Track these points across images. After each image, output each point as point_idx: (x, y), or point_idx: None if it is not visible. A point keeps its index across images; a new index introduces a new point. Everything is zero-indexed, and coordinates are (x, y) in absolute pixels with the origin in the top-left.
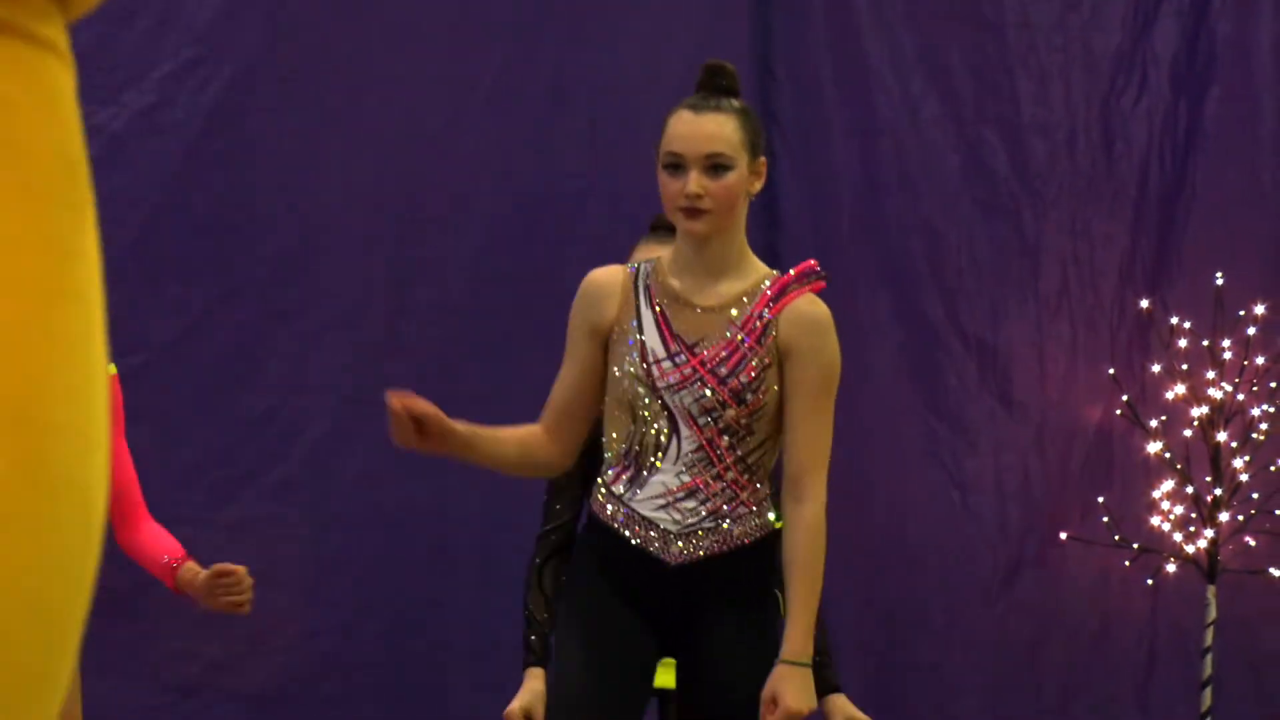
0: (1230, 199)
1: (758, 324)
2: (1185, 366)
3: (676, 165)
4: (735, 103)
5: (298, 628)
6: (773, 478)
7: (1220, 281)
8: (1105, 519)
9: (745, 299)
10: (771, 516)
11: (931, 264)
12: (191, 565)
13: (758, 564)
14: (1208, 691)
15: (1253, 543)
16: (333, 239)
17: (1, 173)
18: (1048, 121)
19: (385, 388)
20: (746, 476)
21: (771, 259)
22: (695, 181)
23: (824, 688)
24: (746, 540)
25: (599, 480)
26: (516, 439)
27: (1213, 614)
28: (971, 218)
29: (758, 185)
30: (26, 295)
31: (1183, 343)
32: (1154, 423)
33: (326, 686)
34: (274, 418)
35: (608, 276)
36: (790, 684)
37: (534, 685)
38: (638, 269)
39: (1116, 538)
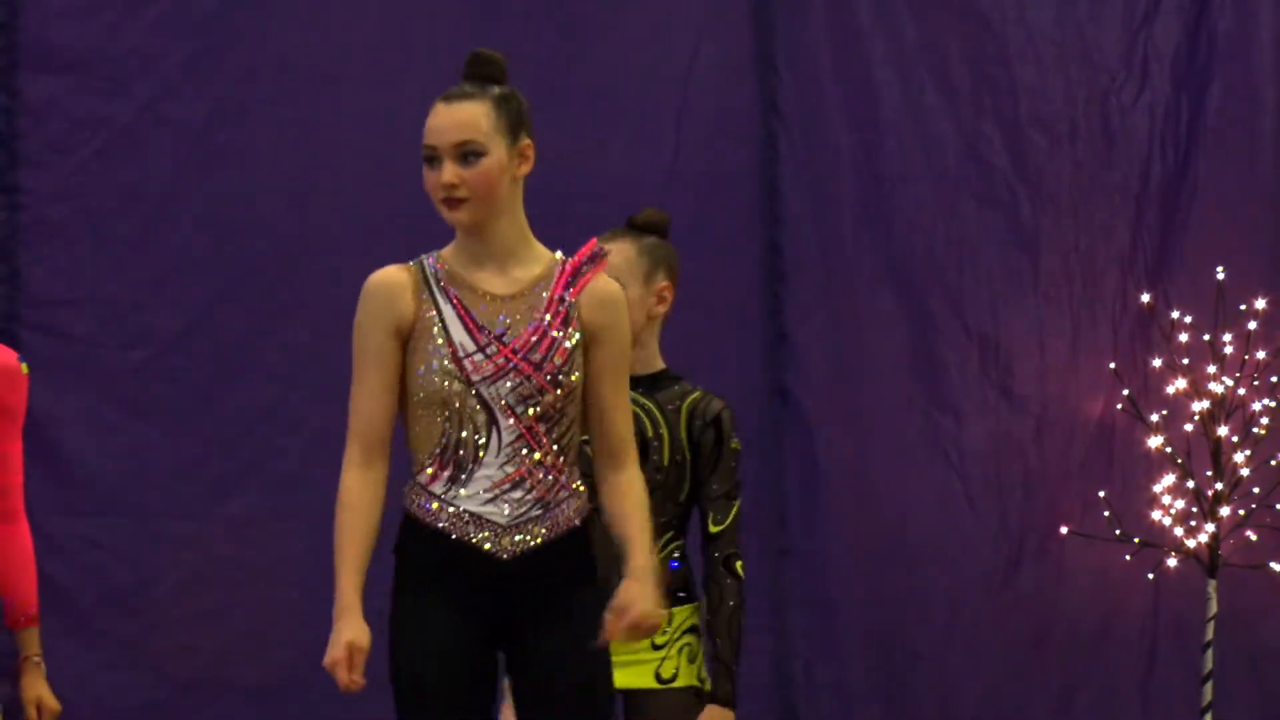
0: (1231, 193)
1: (560, 307)
2: (1186, 361)
3: (432, 157)
4: (494, 89)
5: (299, 622)
6: (582, 459)
7: (1221, 276)
8: (1106, 513)
9: (540, 283)
10: (585, 499)
11: (933, 258)
12: (35, 634)
13: (583, 551)
14: (1208, 686)
15: (1254, 537)
16: (335, 234)
17: None
18: (1048, 116)
19: None
20: (563, 459)
21: (774, 255)
22: (449, 171)
23: (712, 696)
24: (577, 521)
25: (413, 481)
26: (370, 524)
27: (1213, 608)
28: (973, 212)
29: (525, 168)
30: None
31: (1184, 337)
32: (1155, 417)
33: (327, 681)
34: (275, 413)
35: (393, 275)
36: (642, 594)
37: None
38: (420, 265)
39: (1118, 532)
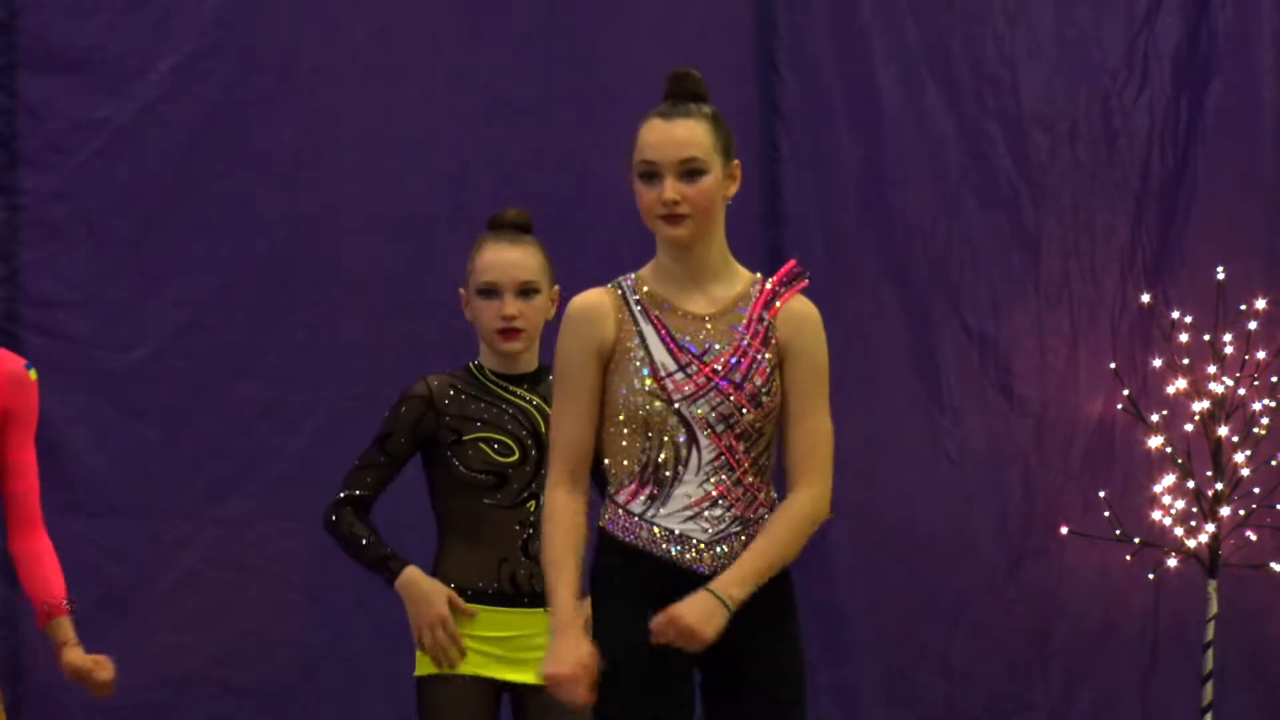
0: (1231, 192)
1: (759, 327)
2: (1187, 361)
3: (652, 174)
4: (705, 108)
5: (296, 622)
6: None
7: (1222, 276)
8: (1106, 513)
9: (740, 302)
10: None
11: (934, 257)
12: (65, 623)
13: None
14: (1209, 686)
15: (1254, 537)
16: (331, 235)
17: None
18: (1049, 114)
19: (381, 383)
20: (760, 478)
21: (775, 253)
22: (671, 188)
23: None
24: None
25: (609, 500)
26: (581, 541)
27: (1214, 608)
28: (973, 211)
29: (733, 189)
30: None
31: (1184, 337)
32: (1155, 417)
33: (325, 680)
34: (271, 413)
35: (596, 299)
36: (696, 607)
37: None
38: (620, 287)
39: (1118, 532)
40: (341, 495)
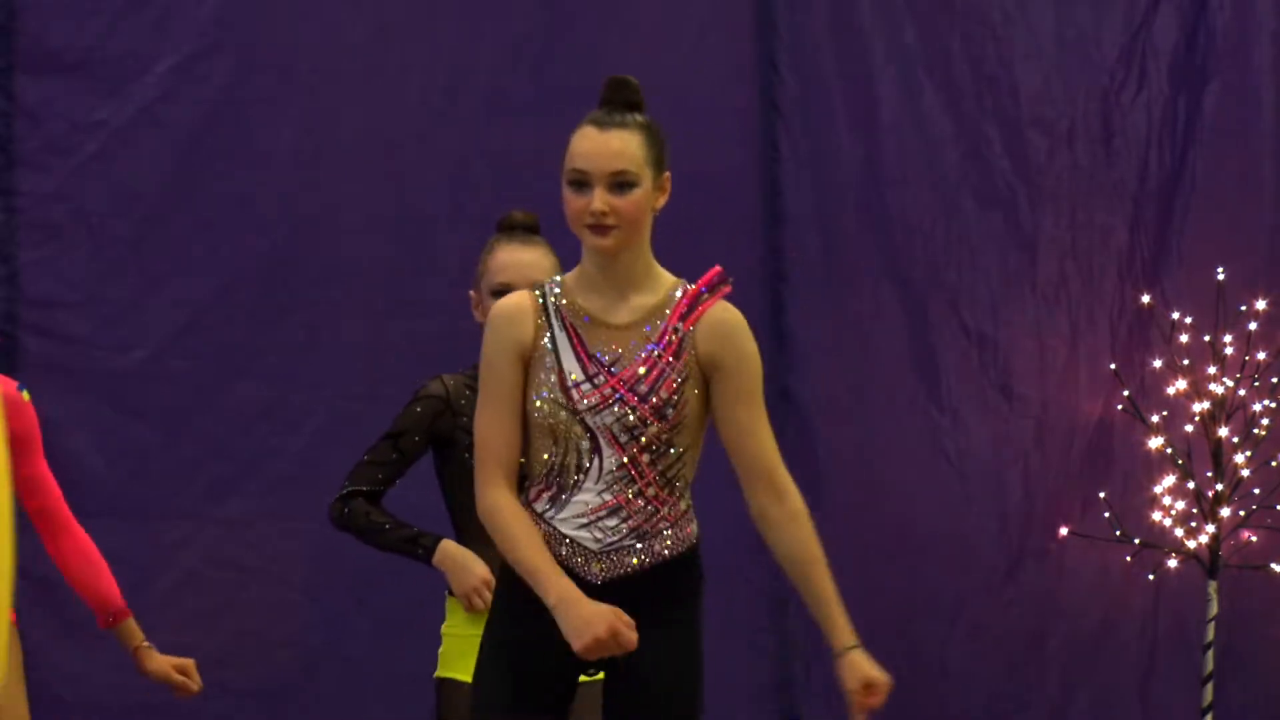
0: (1230, 192)
1: (673, 338)
2: (1186, 361)
3: (582, 182)
4: (640, 118)
5: (295, 622)
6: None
7: (1221, 276)
8: (1106, 514)
9: (657, 312)
10: (694, 529)
11: (933, 257)
12: (132, 624)
13: (683, 577)
14: (1209, 687)
15: (1254, 538)
16: (331, 235)
17: None
18: (1047, 115)
19: (381, 383)
20: (666, 491)
21: (775, 253)
22: (600, 199)
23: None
24: (669, 555)
25: (523, 495)
26: (534, 530)
27: (1214, 609)
28: (972, 212)
29: (662, 200)
30: None
31: (1184, 337)
32: (1155, 418)
33: (325, 680)
34: (271, 413)
35: (518, 301)
36: (870, 664)
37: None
38: (543, 291)
39: (1118, 533)
40: (348, 489)
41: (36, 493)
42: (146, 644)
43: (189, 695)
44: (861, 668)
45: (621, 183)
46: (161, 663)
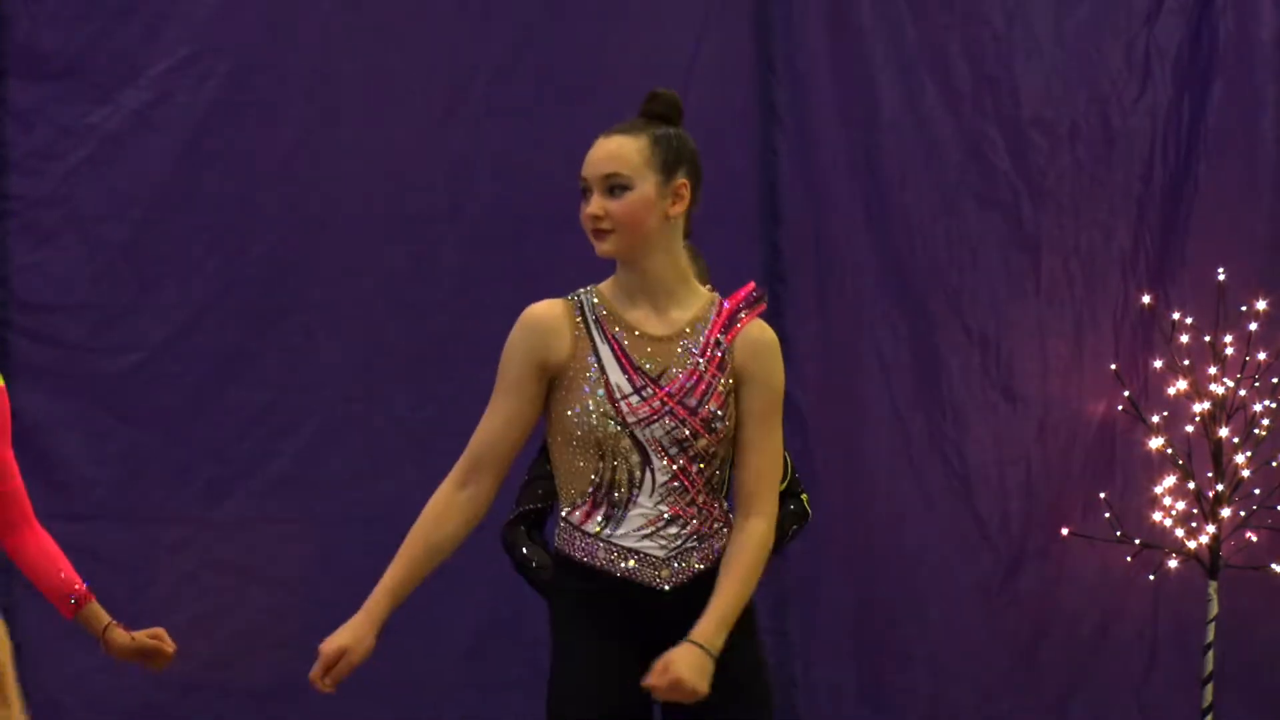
0: (1232, 194)
1: (716, 351)
2: (1187, 362)
3: (584, 189)
4: (656, 126)
5: (294, 624)
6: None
7: (1222, 277)
8: (1107, 515)
9: (697, 325)
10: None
11: (934, 259)
12: (96, 608)
13: None
14: (1209, 687)
15: (1254, 538)
16: (327, 237)
17: None
18: (1050, 117)
19: (378, 385)
20: (713, 497)
21: (773, 255)
22: (595, 203)
23: None
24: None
25: (563, 521)
26: (438, 540)
27: (1214, 610)
28: (973, 213)
29: (678, 207)
30: None
31: (1185, 338)
32: (1156, 418)
33: None
34: (268, 416)
35: (552, 311)
36: (688, 661)
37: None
38: (579, 301)
39: (1118, 534)
40: (514, 513)
41: (5, 477)
42: (114, 623)
43: (165, 662)
44: (675, 654)
45: (614, 185)
46: (131, 638)
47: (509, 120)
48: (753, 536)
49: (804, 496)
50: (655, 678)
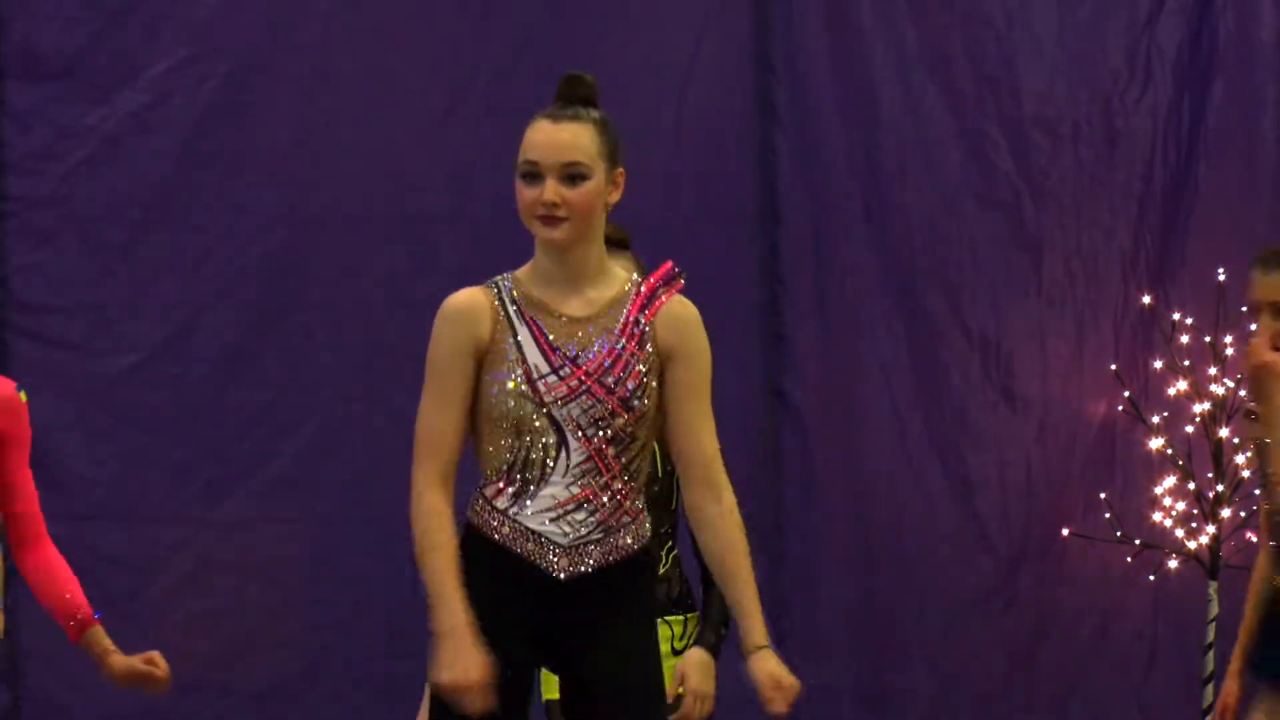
0: (1233, 194)
1: (635, 330)
2: (1187, 362)
3: (533, 174)
4: (594, 113)
5: (294, 624)
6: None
7: (1222, 277)
8: (1107, 515)
9: (616, 305)
10: (649, 527)
11: (934, 259)
12: (100, 632)
13: (643, 571)
14: (1209, 688)
15: (1254, 539)
16: (327, 237)
17: None
18: (1051, 117)
19: (378, 385)
20: (630, 484)
21: (772, 255)
22: (552, 190)
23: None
24: (634, 549)
25: (477, 493)
26: (454, 556)
27: (1214, 610)
28: (974, 212)
29: (616, 195)
30: None
31: (1185, 339)
32: (1156, 419)
33: (323, 683)
34: (268, 416)
35: (472, 298)
36: (779, 665)
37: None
38: (497, 286)
39: (1119, 534)
40: None
41: (18, 498)
42: (115, 650)
43: (162, 686)
44: (770, 666)
45: (573, 174)
46: (128, 661)
47: (509, 120)
48: (732, 518)
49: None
50: (772, 691)
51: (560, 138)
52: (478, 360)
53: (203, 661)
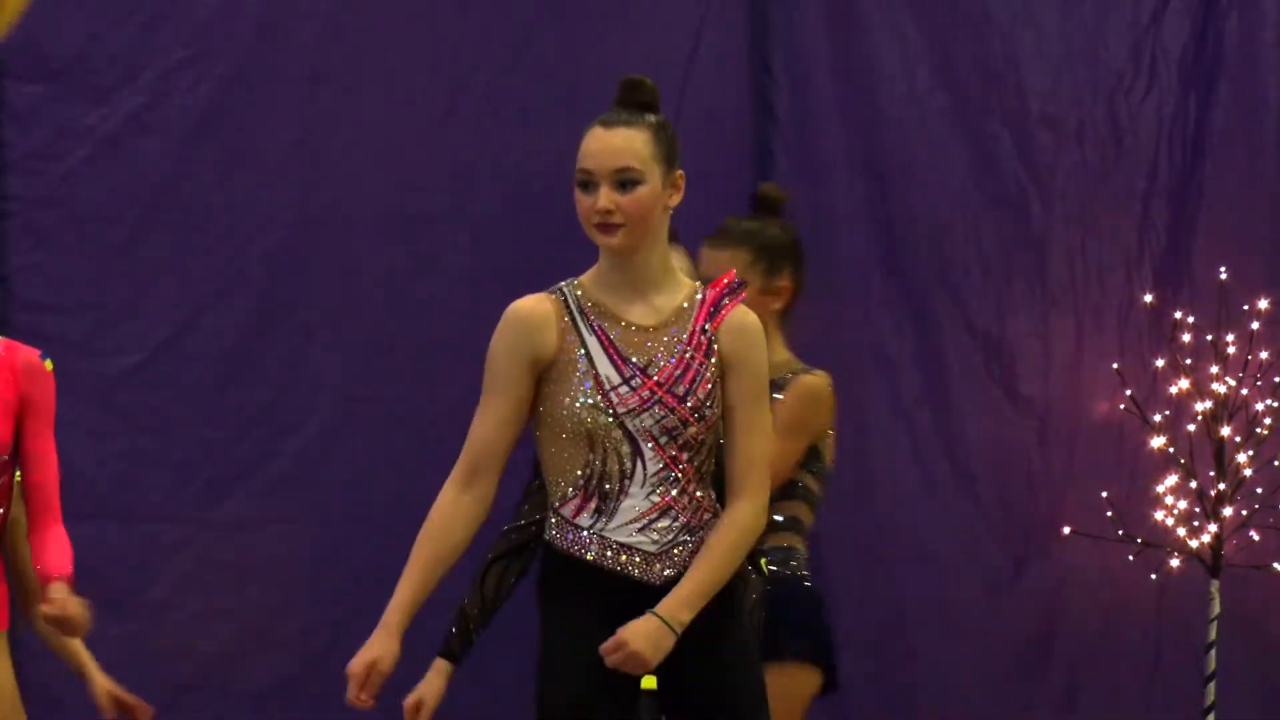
0: (1237, 194)
1: (702, 338)
2: (1190, 361)
3: (588, 182)
4: (650, 117)
5: (294, 624)
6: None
7: (1225, 276)
8: (1109, 514)
9: (682, 314)
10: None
11: (938, 257)
12: (62, 586)
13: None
14: (1211, 686)
15: (1256, 537)
16: (326, 237)
17: None
18: (1056, 115)
19: (379, 385)
20: (702, 486)
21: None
22: (605, 196)
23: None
24: None
25: (553, 515)
26: (450, 546)
27: (1216, 609)
28: (978, 211)
29: (676, 198)
30: None
31: (1187, 337)
32: (1158, 417)
33: (323, 682)
34: (268, 415)
35: (539, 306)
36: (644, 631)
37: (434, 679)
38: (562, 294)
39: (1120, 533)
40: (498, 549)
41: (40, 467)
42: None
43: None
44: (636, 629)
45: (625, 180)
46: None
47: (509, 120)
48: (735, 518)
49: (763, 561)
50: (609, 649)
51: (612, 144)
52: (536, 371)
53: (203, 661)
